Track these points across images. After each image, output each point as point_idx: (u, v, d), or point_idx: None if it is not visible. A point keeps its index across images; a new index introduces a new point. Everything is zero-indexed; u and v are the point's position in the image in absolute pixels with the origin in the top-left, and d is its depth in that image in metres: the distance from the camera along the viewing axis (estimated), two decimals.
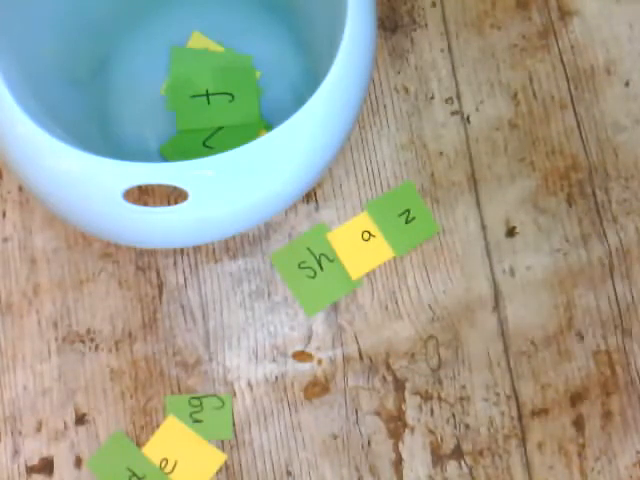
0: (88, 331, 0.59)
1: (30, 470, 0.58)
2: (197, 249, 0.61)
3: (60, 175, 0.44)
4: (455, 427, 0.59)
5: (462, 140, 0.63)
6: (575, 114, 0.64)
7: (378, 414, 0.59)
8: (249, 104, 0.61)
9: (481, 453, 0.59)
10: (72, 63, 0.57)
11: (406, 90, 0.64)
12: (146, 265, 0.60)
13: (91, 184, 0.43)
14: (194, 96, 0.61)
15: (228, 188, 0.43)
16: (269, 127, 0.60)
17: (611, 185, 0.63)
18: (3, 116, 0.45)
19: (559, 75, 0.65)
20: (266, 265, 0.60)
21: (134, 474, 0.57)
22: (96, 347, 0.59)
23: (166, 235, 0.46)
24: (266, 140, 0.45)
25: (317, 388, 0.59)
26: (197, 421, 0.58)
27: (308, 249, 0.60)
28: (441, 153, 0.63)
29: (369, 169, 0.63)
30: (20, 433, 0.58)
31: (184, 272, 0.60)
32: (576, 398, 0.60)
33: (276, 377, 0.59)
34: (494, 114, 0.64)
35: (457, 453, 0.59)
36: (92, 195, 0.44)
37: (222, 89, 0.61)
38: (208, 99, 0.61)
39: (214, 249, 0.61)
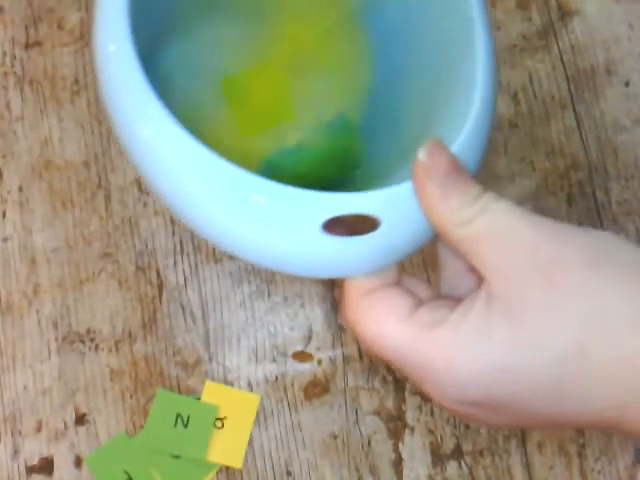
0: (88, 331, 0.59)
1: (30, 470, 0.58)
2: (197, 249, 0.61)
3: (254, 209, 0.42)
4: (455, 427, 0.59)
5: None
6: (575, 114, 0.64)
7: (378, 414, 0.59)
8: None
9: (481, 453, 0.59)
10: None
11: None
12: (146, 265, 0.60)
13: (288, 218, 0.42)
14: None
15: (415, 211, 0.43)
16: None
17: (611, 185, 0.63)
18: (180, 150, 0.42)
19: (559, 75, 0.65)
20: None
21: (130, 478, 0.57)
22: (96, 347, 0.59)
23: (355, 264, 0.44)
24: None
25: (317, 388, 0.59)
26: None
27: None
28: None
29: None
30: (20, 433, 0.58)
31: (184, 272, 0.60)
32: None
33: (276, 377, 0.59)
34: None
35: (457, 453, 0.59)
36: (288, 229, 0.42)
37: None
38: None
39: (214, 249, 0.61)
